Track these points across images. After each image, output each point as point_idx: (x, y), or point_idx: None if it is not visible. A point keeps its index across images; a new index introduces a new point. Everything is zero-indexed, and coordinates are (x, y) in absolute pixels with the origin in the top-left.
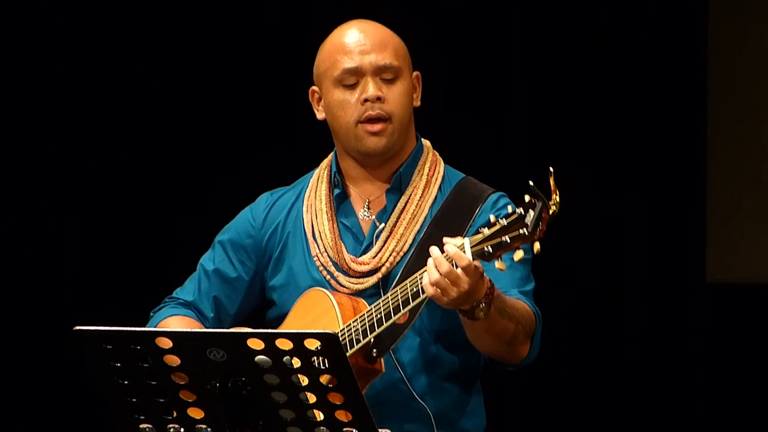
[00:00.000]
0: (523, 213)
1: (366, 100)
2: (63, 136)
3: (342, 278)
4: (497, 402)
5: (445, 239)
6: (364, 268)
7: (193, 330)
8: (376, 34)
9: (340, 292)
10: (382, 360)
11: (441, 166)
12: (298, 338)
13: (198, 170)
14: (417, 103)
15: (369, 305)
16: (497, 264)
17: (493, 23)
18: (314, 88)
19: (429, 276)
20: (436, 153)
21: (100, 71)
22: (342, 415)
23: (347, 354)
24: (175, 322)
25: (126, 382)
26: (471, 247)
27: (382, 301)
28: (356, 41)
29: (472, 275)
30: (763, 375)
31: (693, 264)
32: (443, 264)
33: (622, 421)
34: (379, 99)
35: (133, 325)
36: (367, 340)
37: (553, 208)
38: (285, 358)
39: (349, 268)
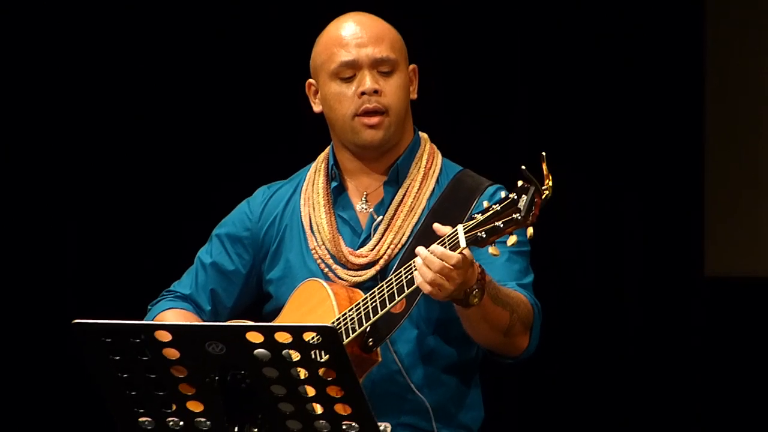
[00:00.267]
0: (515, 198)
1: (363, 93)
2: (63, 135)
3: (340, 271)
4: (496, 396)
5: (435, 226)
6: (362, 261)
7: (192, 323)
8: (373, 26)
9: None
10: (379, 350)
11: (438, 158)
12: (297, 331)
13: (197, 167)
14: (414, 95)
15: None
16: (491, 249)
17: (493, 20)
18: (311, 80)
19: (423, 275)
20: (434, 145)
21: (100, 71)
22: (341, 408)
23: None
24: (173, 315)
25: (125, 376)
26: (465, 233)
27: (377, 289)
28: (353, 34)
29: (464, 266)
30: (762, 370)
31: (691, 258)
32: (434, 262)
33: (622, 417)
34: (376, 92)
35: (131, 319)
36: (362, 329)
37: (546, 192)
38: (284, 351)
39: (347, 260)
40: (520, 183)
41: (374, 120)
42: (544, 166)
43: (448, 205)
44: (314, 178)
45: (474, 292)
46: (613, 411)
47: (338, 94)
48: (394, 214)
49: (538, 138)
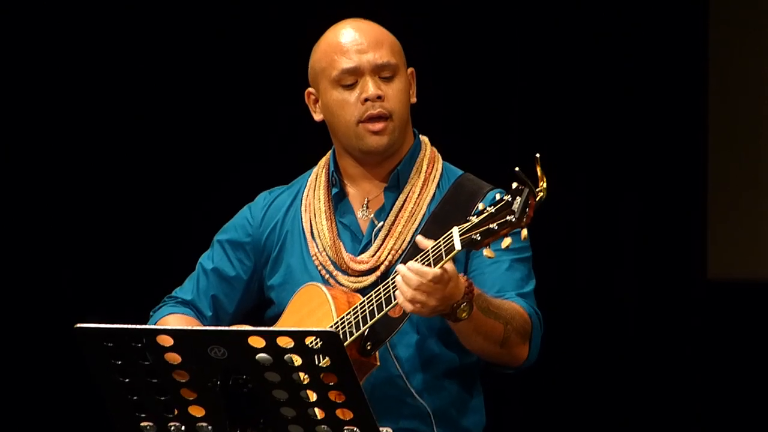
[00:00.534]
0: (510, 200)
1: (366, 100)
2: (62, 135)
3: (341, 277)
4: (497, 401)
5: (418, 239)
6: (363, 267)
7: (194, 328)
8: (371, 32)
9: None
10: (377, 354)
11: (439, 163)
12: (298, 336)
13: (199, 172)
14: (413, 99)
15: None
16: (485, 252)
17: (492, 21)
18: (310, 89)
19: (402, 294)
20: (435, 149)
21: (100, 72)
22: (343, 414)
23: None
24: (174, 320)
25: (127, 380)
26: (459, 236)
27: (374, 293)
28: (352, 40)
29: (443, 281)
30: (763, 372)
31: (693, 261)
32: (412, 279)
33: (622, 420)
34: (379, 98)
35: (133, 323)
36: (360, 332)
37: (540, 194)
38: (286, 356)
39: (348, 267)
40: (514, 185)
41: (379, 126)
42: (539, 168)
43: (449, 210)
44: (315, 184)
45: (462, 306)
46: (615, 415)
47: (341, 101)
48: (395, 220)
49: (539, 139)
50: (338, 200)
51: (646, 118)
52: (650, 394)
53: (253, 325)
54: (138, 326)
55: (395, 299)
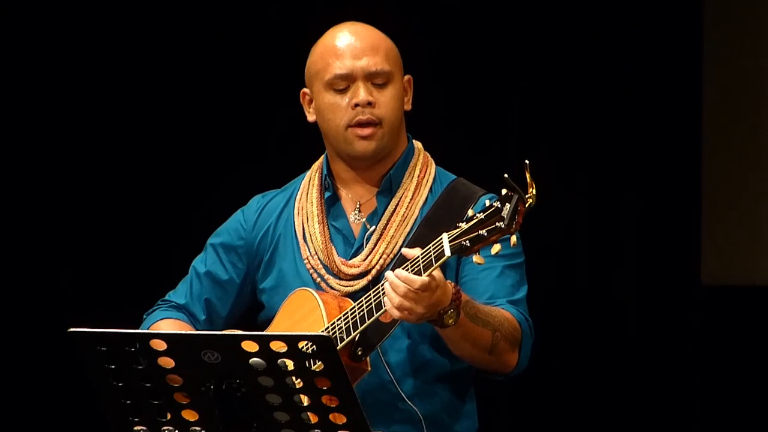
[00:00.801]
0: (499, 206)
1: (357, 105)
2: (60, 137)
3: (332, 281)
4: (490, 406)
5: (404, 250)
6: (355, 271)
7: (188, 332)
8: (368, 37)
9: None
10: (368, 359)
11: (432, 167)
12: (292, 340)
13: (192, 175)
14: (408, 106)
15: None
16: (475, 258)
17: (489, 23)
18: (305, 90)
19: (390, 300)
20: (428, 154)
21: (98, 73)
22: (336, 418)
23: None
24: (166, 325)
25: (120, 384)
26: (449, 242)
27: (365, 298)
28: (348, 45)
29: (431, 288)
30: (759, 377)
31: (688, 266)
32: (399, 286)
33: (618, 425)
34: (369, 104)
35: (126, 326)
36: (350, 338)
37: (530, 201)
38: (279, 361)
39: (340, 270)
40: (504, 191)
41: (367, 131)
42: (528, 175)
43: (441, 215)
44: (308, 187)
45: (449, 313)
46: (610, 420)
47: (332, 104)
48: (387, 224)
49: (535, 141)
50: (331, 204)
51: (641, 120)
52: (646, 401)
53: (246, 329)
54: (131, 330)
55: (385, 305)
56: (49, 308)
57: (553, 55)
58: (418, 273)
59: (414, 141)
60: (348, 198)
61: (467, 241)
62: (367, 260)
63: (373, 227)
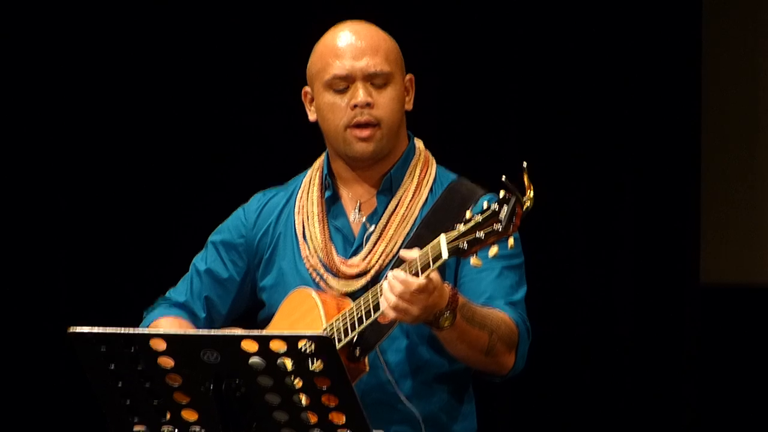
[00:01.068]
0: (497, 209)
1: (355, 106)
2: (57, 136)
3: (331, 280)
4: (489, 407)
5: (402, 252)
6: (354, 271)
7: (187, 332)
8: (369, 37)
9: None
10: (366, 359)
11: (433, 167)
12: (291, 340)
13: (193, 173)
14: (409, 106)
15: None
16: (472, 260)
17: (487, 21)
18: (306, 88)
19: (386, 300)
20: (429, 153)
21: (95, 72)
22: (336, 417)
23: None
24: (166, 322)
25: (120, 384)
26: (447, 244)
27: (363, 299)
28: (348, 45)
29: (427, 290)
30: (757, 377)
31: (687, 265)
32: (396, 286)
33: (615, 426)
34: (368, 105)
35: (127, 326)
36: (348, 338)
37: (527, 203)
38: (279, 360)
39: (339, 270)
40: (501, 193)
41: (365, 133)
42: (526, 177)
43: (442, 214)
44: (309, 186)
45: (445, 315)
46: (608, 421)
47: (331, 104)
48: (386, 224)
49: (531, 138)
50: (331, 203)
51: (639, 120)
52: (644, 402)
53: (246, 328)
54: (131, 330)
55: (381, 306)
56: (48, 308)
57: (548, 58)
58: (416, 275)
59: (415, 140)
60: (348, 197)
61: (465, 243)
62: (366, 260)
63: (373, 227)
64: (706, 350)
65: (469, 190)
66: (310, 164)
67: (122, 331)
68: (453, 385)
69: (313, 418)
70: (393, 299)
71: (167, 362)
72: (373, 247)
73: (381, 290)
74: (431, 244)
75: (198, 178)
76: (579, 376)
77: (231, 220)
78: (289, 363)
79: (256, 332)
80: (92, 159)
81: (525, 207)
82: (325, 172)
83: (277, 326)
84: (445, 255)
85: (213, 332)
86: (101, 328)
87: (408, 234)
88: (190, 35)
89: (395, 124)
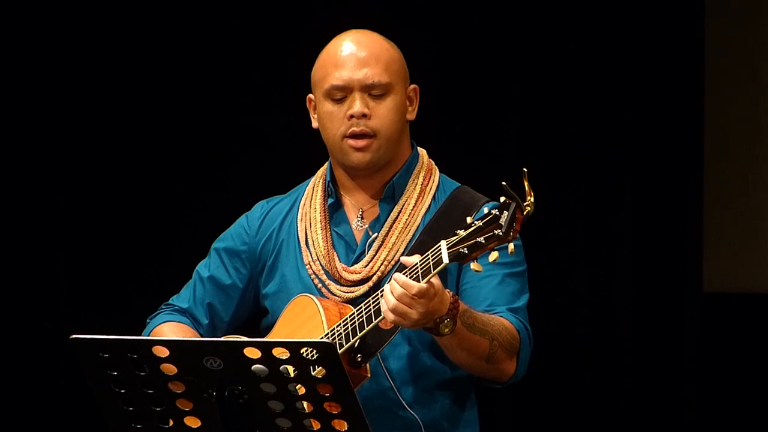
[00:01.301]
0: (497, 214)
1: (352, 116)
2: (57, 136)
3: (333, 287)
4: (493, 413)
5: (403, 258)
6: (356, 277)
7: (190, 339)
8: (370, 48)
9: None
10: (368, 365)
11: (436, 175)
12: (294, 347)
13: (196, 178)
14: (411, 116)
15: None
16: (473, 265)
17: (486, 22)
18: (310, 96)
19: (386, 303)
20: (432, 162)
21: (96, 73)
22: (338, 424)
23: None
24: (169, 328)
25: (122, 391)
26: (447, 249)
27: (364, 304)
28: (348, 55)
29: (428, 295)
30: (760, 385)
31: (690, 274)
32: (397, 289)
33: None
34: (364, 116)
35: (129, 333)
36: (350, 344)
37: (528, 208)
38: (282, 367)
39: (341, 276)
40: (502, 199)
41: (361, 143)
42: (526, 183)
43: (444, 221)
44: (312, 193)
45: (445, 322)
46: (610, 428)
47: (330, 114)
48: (389, 231)
49: (533, 143)
50: (334, 210)
51: (642, 126)
52: (646, 407)
53: (249, 335)
54: (133, 337)
55: (381, 309)
56: (48, 309)
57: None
58: (417, 280)
59: (419, 148)
60: (351, 205)
61: (465, 249)
62: (368, 267)
63: (376, 234)
64: (706, 357)
65: (472, 198)
66: (312, 168)
67: (125, 338)
68: (455, 392)
69: (315, 425)
70: (393, 302)
71: (170, 369)
72: (376, 254)
73: (382, 294)
74: (432, 250)
75: (202, 186)
76: (582, 383)
77: (234, 227)
78: (291, 370)
79: (258, 339)
80: (93, 159)
81: (525, 212)
82: (328, 179)
83: (279, 333)
84: (445, 260)
85: (216, 339)
86: (103, 335)
87: (410, 241)
88: (192, 36)
89: (393, 135)
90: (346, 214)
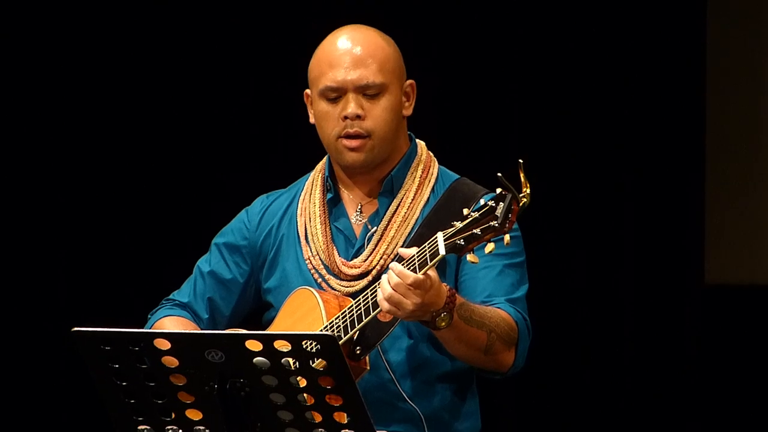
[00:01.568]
0: (493, 205)
1: (346, 117)
2: (57, 137)
3: (333, 281)
4: (494, 405)
5: (400, 250)
6: (355, 272)
7: (192, 331)
8: (365, 46)
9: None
10: (367, 358)
11: (435, 167)
12: (296, 340)
13: (197, 173)
14: (408, 112)
15: None
16: (469, 257)
17: (486, 21)
18: (307, 91)
19: (382, 291)
20: (431, 154)
21: (97, 74)
22: (340, 417)
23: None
24: (170, 322)
25: (124, 384)
26: (444, 241)
27: (362, 297)
28: (343, 54)
29: (424, 287)
30: (762, 377)
31: (691, 266)
32: (393, 278)
33: (619, 425)
34: (358, 117)
35: (131, 327)
36: (348, 336)
37: (524, 200)
38: (283, 360)
39: (340, 271)
40: (498, 190)
41: (355, 143)
42: (522, 174)
43: (443, 214)
44: (311, 188)
45: (442, 315)
46: (612, 421)
47: (325, 113)
48: (388, 225)
49: (534, 142)
50: (333, 204)
51: (644, 120)
52: (648, 400)
53: (251, 329)
54: (135, 330)
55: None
56: (48, 308)
57: (551, 56)
58: (414, 272)
59: (417, 141)
60: (350, 199)
61: (462, 240)
62: (367, 261)
63: (374, 228)
64: (711, 350)
65: (471, 190)
66: (312, 166)
67: (126, 331)
68: (455, 384)
69: (317, 418)
70: (388, 291)
71: (172, 362)
72: (375, 248)
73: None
74: (429, 242)
75: (203, 181)
76: (584, 374)
77: (234, 222)
78: (292, 362)
79: (260, 332)
80: (93, 159)
81: (521, 204)
82: (327, 174)
83: (279, 325)
84: (442, 252)
85: (217, 332)
86: (105, 328)
87: (409, 234)
88: (192, 35)
89: (388, 134)
90: (345, 209)
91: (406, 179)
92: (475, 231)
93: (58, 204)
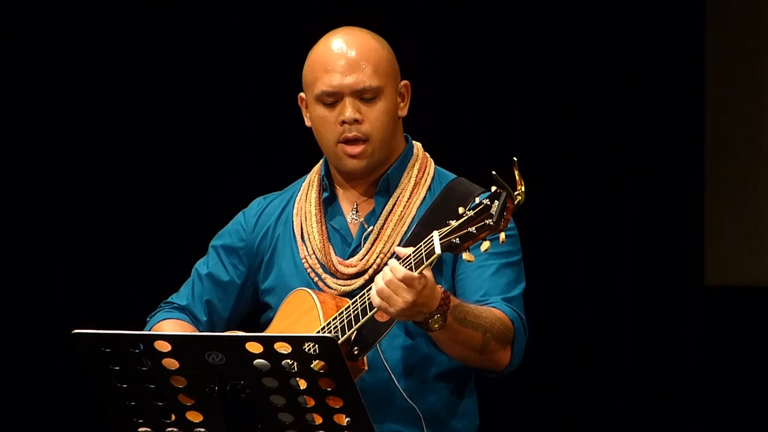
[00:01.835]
0: (488, 204)
1: (344, 122)
2: (57, 136)
3: (330, 280)
4: (492, 404)
5: (396, 249)
6: (351, 270)
7: (192, 333)
8: (359, 49)
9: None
10: (365, 358)
11: (431, 167)
12: (296, 342)
13: (194, 176)
14: (403, 112)
15: None
16: (465, 255)
17: (486, 21)
18: (302, 94)
19: (375, 285)
20: (427, 154)
21: (97, 74)
22: (340, 419)
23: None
24: (168, 325)
25: (124, 386)
26: (439, 240)
27: (359, 297)
28: (337, 58)
29: (414, 285)
30: (761, 378)
31: (691, 267)
32: (386, 273)
33: (619, 426)
34: (356, 121)
35: (131, 327)
36: (345, 336)
37: (519, 198)
38: (284, 362)
39: (337, 270)
40: (493, 188)
41: (356, 150)
42: (516, 172)
43: (440, 213)
44: (308, 189)
45: (434, 318)
46: (612, 422)
47: (322, 118)
48: (384, 224)
49: (533, 142)
50: (329, 204)
51: (643, 120)
52: (647, 401)
53: (249, 330)
54: (135, 332)
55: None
56: (48, 308)
57: (551, 56)
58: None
59: (414, 142)
60: (346, 198)
61: (457, 239)
62: (364, 260)
63: (371, 227)
64: (710, 351)
65: (467, 189)
66: (310, 166)
67: (127, 333)
68: (454, 382)
69: (317, 419)
70: (380, 285)
71: (172, 364)
72: (371, 247)
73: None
74: (424, 241)
75: (200, 183)
76: (583, 374)
77: (231, 224)
78: (294, 364)
79: (260, 334)
80: (93, 159)
81: (516, 202)
82: (323, 173)
83: (277, 327)
84: (437, 251)
85: (217, 334)
86: (105, 329)
87: (406, 233)
88: (192, 36)
89: (385, 137)
90: (341, 208)
91: (402, 178)
92: (470, 229)
93: (58, 204)
